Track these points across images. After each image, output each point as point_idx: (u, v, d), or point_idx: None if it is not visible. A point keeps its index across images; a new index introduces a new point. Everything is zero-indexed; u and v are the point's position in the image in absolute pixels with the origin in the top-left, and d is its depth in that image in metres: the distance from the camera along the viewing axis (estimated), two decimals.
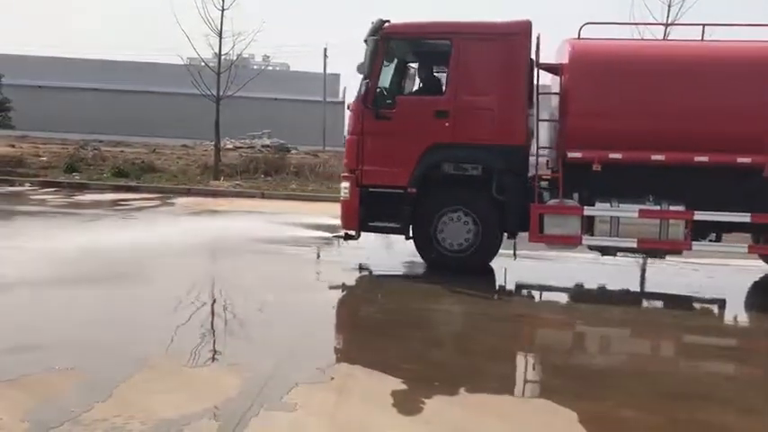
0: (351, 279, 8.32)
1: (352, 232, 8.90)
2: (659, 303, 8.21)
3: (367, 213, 8.41)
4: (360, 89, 8.41)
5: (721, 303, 7.98)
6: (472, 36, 8.21)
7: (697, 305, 7.87)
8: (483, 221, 8.19)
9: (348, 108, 9.15)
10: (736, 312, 7.74)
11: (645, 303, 8.16)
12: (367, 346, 5.72)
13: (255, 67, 45.60)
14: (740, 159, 7.75)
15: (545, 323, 7.01)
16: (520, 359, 5.90)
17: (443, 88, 8.31)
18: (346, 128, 9.08)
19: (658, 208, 7.95)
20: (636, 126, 7.91)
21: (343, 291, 7.80)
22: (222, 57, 20.24)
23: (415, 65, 8.52)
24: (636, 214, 7.95)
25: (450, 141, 8.20)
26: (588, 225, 8.11)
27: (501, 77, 8.10)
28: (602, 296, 8.09)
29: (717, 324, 7.26)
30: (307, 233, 11.41)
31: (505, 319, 6.91)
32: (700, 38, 8.32)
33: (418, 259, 8.65)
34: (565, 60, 8.17)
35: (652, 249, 8.21)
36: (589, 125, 7.95)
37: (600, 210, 8.04)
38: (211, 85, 20.01)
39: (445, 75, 8.30)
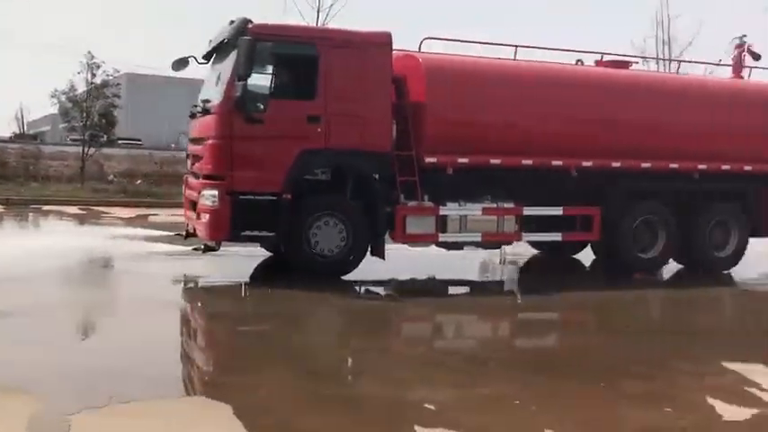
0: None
1: (213, 243, 8.33)
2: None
3: (238, 222, 7.98)
4: (226, 91, 7.91)
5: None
6: (339, 43, 8.34)
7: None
8: (355, 225, 8.40)
9: (198, 112, 8.52)
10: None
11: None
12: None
13: None
14: (554, 162, 9.32)
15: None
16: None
17: (315, 93, 8.26)
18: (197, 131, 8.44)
19: (495, 206, 9.12)
20: (480, 134, 8.94)
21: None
22: None
23: (283, 68, 8.26)
24: (480, 212, 9.01)
25: (323, 147, 8.24)
26: (442, 224, 8.90)
27: (368, 85, 8.39)
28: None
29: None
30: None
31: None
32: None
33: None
34: (417, 72, 8.79)
35: (492, 242, 9.36)
36: (443, 133, 8.73)
37: (452, 210, 8.90)
38: None
39: (316, 79, 8.25)
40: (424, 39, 9.19)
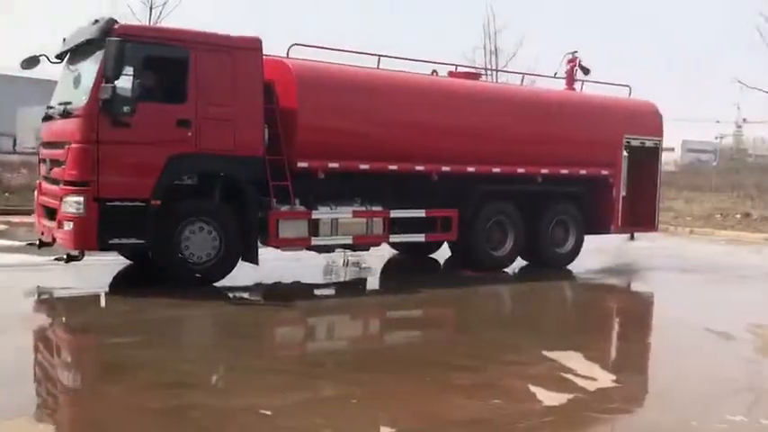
0: None
1: (75, 252, 7.92)
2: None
3: (106, 230, 7.65)
4: (92, 93, 7.56)
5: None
6: (211, 46, 8.24)
7: None
8: (227, 231, 8.34)
9: (57, 114, 8.05)
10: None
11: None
12: None
13: None
14: (417, 167, 9.82)
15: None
16: None
17: (185, 96, 8.09)
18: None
19: (364, 209, 9.44)
20: (349, 140, 9.22)
21: None
22: None
23: (152, 71, 7.97)
24: (350, 215, 9.30)
25: (194, 151, 8.11)
26: (314, 227, 9.07)
27: (239, 90, 8.36)
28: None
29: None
30: None
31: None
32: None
33: None
34: (288, 78, 8.89)
35: (362, 243, 9.66)
36: (314, 138, 8.91)
37: (323, 213, 9.11)
38: None
39: (186, 83, 8.09)
40: (293, 45, 9.30)
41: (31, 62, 9.02)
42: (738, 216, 21.55)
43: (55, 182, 8.17)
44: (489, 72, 23.21)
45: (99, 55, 7.76)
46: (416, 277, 10.37)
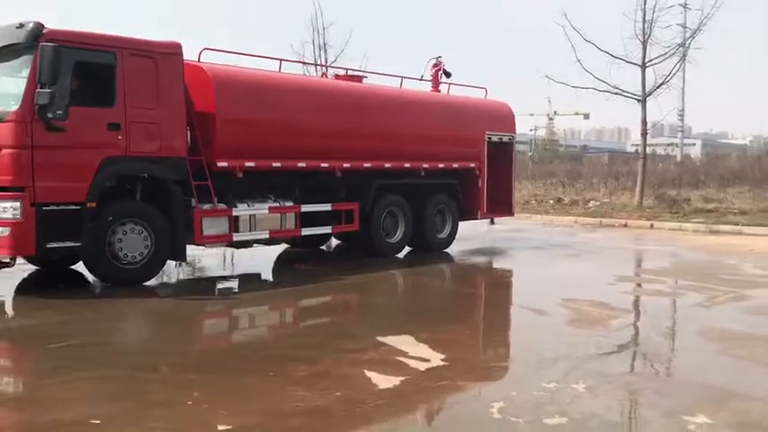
0: None
1: (7, 259, 7.81)
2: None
3: (44, 234, 7.65)
4: (24, 98, 7.51)
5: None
6: (135, 51, 8.42)
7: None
8: (156, 231, 8.58)
9: None
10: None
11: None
12: None
13: None
14: (322, 164, 10.59)
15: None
16: None
17: (113, 100, 8.21)
18: None
19: (278, 205, 10.05)
20: (264, 140, 9.77)
21: None
22: None
23: (82, 75, 7.95)
24: (267, 211, 9.87)
25: (123, 154, 8.27)
26: (234, 224, 9.53)
27: (163, 93, 8.61)
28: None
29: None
30: None
31: None
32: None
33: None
34: (204, 82, 9.24)
35: (278, 238, 10.24)
36: (233, 139, 9.38)
37: (242, 210, 9.59)
38: None
39: (114, 87, 8.20)
40: (203, 49, 9.65)
41: None
42: (551, 201, 24.35)
43: None
44: (320, 68, 23.57)
45: (26, 59, 7.70)
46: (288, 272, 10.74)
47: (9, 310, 7.87)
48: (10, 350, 6.40)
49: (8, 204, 7.51)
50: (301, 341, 6.53)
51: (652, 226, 17.74)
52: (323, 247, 12.95)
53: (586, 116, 48.72)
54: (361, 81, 12.42)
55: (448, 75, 14.14)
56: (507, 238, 15.40)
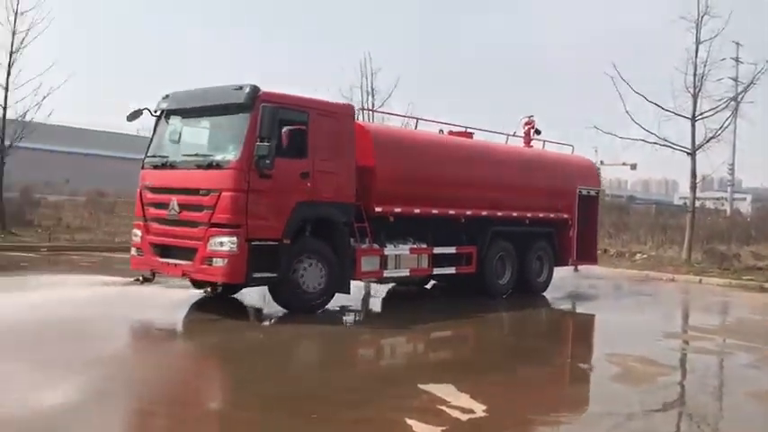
0: None
1: (149, 275, 9.66)
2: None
3: (252, 265, 8.96)
4: (245, 149, 8.89)
5: None
6: (321, 112, 9.87)
7: None
8: (329, 265, 9.87)
9: (202, 163, 9.21)
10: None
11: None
12: None
13: None
14: (450, 211, 11.93)
15: None
16: None
17: (306, 153, 9.60)
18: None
19: (416, 246, 11.36)
20: (409, 189, 11.15)
21: None
22: None
23: (285, 131, 9.32)
24: (408, 251, 11.18)
25: (312, 199, 9.63)
26: (384, 262, 10.82)
27: (340, 147, 10.02)
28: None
29: None
30: None
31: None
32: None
33: None
34: (365, 138, 10.64)
35: (415, 275, 11.53)
36: (388, 188, 10.75)
37: (391, 250, 10.90)
38: None
39: (306, 141, 9.61)
40: (363, 108, 11.09)
41: (135, 115, 10.05)
42: (598, 252, 24.64)
43: (189, 224, 9.25)
44: (368, 112, 24.23)
45: (242, 116, 9.10)
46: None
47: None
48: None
49: (227, 239, 8.84)
50: (349, 384, 6.75)
51: (701, 281, 17.78)
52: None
53: (633, 166, 48.93)
54: (472, 137, 13.82)
55: (538, 132, 15.54)
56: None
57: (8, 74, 18.65)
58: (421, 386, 6.44)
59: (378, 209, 10.68)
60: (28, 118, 19.06)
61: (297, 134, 9.51)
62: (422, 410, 5.73)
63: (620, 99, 20.01)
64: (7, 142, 19.03)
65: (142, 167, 10.19)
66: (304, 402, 5.90)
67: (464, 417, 5.65)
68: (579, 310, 13.73)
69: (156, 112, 10.22)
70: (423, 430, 5.28)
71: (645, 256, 22.89)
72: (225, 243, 8.85)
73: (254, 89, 9.15)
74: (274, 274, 9.23)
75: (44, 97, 18.65)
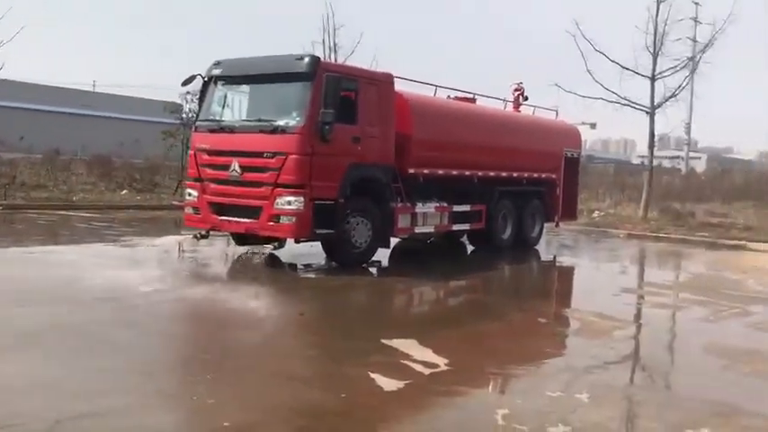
0: None
1: (205, 232, 10.35)
2: None
3: (315, 222, 9.78)
4: (309, 116, 9.61)
5: None
6: (368, 80, 10.65)
7: None
8: (374, 222, 10.78)
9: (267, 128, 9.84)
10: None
11: None
12: None
13: None
14: (466, 173, 12.97)
15: None
16: None
17: (356, 119, 10.38)
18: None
19: (439, 204, 12.37)
20: (438, 154, 12.12)
21: None
22: None
23: (341, 99, 10.01)
24: (434, 209, 12.20)
25: (360, 161, 10.46)
26: (414, 219, 11.80)
27: (382, 114, 10.84)
28: None
29: None
30: None
31: None
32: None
33: None
34: (403, 105, 11.46)
35: (438, 232, 12.56)
36: (421, 152, 11.69)
37: (420, 208, 11.87)
38: None
39: (356, 108, 10.38)
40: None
41: (189, 80, 10.56)
42: None
43: (252, 184, 9.92)
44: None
45: (305, 84, 9.77)
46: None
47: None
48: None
49: (294, 198, 9.61)
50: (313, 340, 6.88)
51: (657, 238, 18.52)
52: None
53: (593, 126, 50.67)
54: (475, 102, 14.81)
55: (525, 98, 16.69)
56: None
57: None
58: (384, 341, 6.51)
59: (410, 170, 11.60)
60: None
61: (350, 101, 10.27)
62: (385, 365, 5.72)
63: (581, 58, 20.60)
64: None
65: (195, 130, 10.73)
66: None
67: (427, 371, 5.69)
68: (535, 266, 14.03)
69: (206, 78, 10.72)
70: (386, 384, 5.29)
71: (603, 213, 23.73)
72: (293, 202, 9.61)
73: (316, 59, 9.84)
74: (332, 230, 10.06)
75: None
